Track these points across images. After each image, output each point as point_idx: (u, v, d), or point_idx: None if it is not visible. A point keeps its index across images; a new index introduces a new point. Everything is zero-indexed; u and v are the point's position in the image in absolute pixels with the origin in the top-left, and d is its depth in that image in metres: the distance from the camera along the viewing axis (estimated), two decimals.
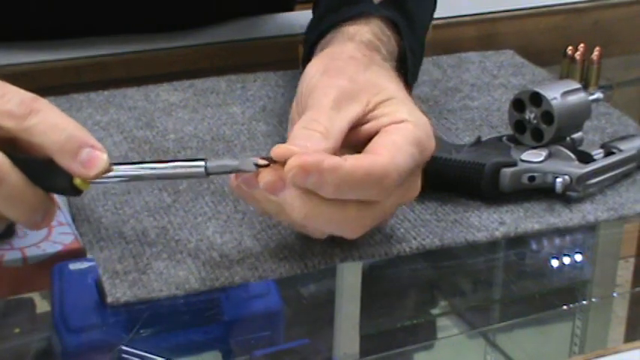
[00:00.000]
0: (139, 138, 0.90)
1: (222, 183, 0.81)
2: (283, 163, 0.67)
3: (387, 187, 0.68)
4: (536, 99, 0.82)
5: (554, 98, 0.82)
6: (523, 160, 0.80)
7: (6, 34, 1.05)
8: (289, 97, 0.79)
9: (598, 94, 0.87)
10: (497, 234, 0.77)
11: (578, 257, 0.83)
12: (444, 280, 0.81)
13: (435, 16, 1.04)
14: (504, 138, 0.84)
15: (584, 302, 0.81)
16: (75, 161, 0.66)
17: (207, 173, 0.69)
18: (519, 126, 0.83)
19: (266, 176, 0.68)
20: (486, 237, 0.77)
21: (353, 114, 0.72)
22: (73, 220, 0.77)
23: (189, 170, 0.69)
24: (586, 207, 0.81)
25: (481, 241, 0.77)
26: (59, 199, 0.74)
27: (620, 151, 0.84)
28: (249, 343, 0.71)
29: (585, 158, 0.82)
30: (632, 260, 0.85)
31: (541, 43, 1.19)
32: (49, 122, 0.66)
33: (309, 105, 0.72)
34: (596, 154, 0.83)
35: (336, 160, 0.66)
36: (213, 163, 0.69)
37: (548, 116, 0.82)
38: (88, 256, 0.74)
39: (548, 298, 0.79)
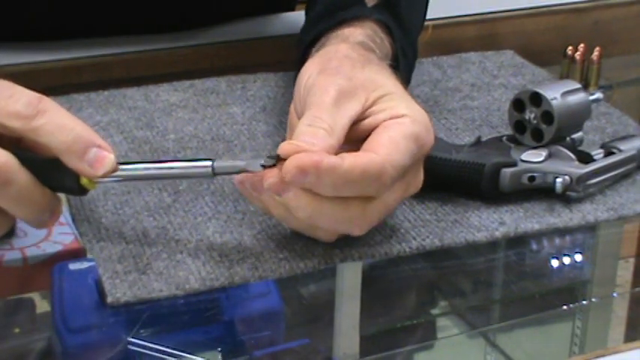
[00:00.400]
0: (139, 138, 0.90)
1: (222, 183, 0.81)
2: None
3: (384, 183, 0.69)
4: (536, 99, 0.82)
5: (554, 98, 0.82)
6: (523, 160, 0.80)
7: (6, 34, 1.05)
8: (289, 98, 0.79)
9: (598, 94, 0.87)
10: (497, 234, 0.77)
11: (578, 257, 0.83)
12: (444, 280, 0.81)
13: (435, 16, 1.04)
14: (504, 138, 0.84)
15: (584, 302, 0.81)
16: (82, 161, 0.67)
17: (214, 173, 0.69)
18: (519, 126, 0.83)
19: (270, 177, 0.68)
20: (486, 237, 0.77)
21: (353, 111, 0.72)
22: (73, 220, 0.77)
23: (196, 170, 0.70)
24: (586, 207, 0.81)
25: (481, 241, 0.77)
26: None
27: (620, 151, 0.84)
28: (249, 343, 0.71)
29: (585, 158, 0.82)
30: (632, 260, 0.85)
31: (541, 43, 1.19)
32: (57, 123, 0.67)
33: (309, 103, 0.72)
34: (596, 154, 0.83)
35: (334, 160, 0.67)
36: (220, 164, 0.69)
37: (548, 116, 0.82)
38: (88, 256, 0.74)
39: (548, 298, 0.79)
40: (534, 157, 0.81)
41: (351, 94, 0.73)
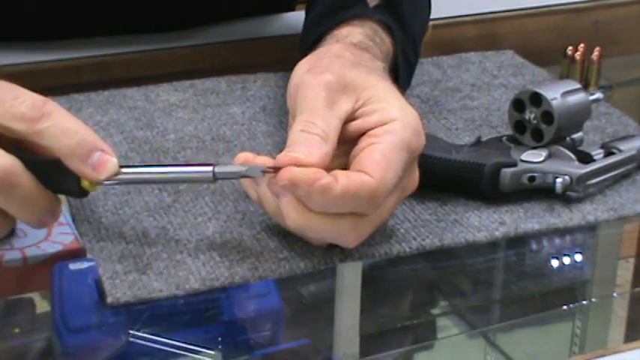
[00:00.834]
0: (139, 138, 0.90)
1: (222, 183, 0.81)
2: None
3: (378, 203, 0.70)
4: (536, 99, 0.82)
5: (554, 98, 0.82)
6: (523, 161, 0.80)
7: (6, 34, 1.05)
8: None
9: (598, 94, 0.87)
10: (497, 234, 0.77)
11: (578, 257, 0.83)
12: (444, 280, 0.81)
13: (435, 16, 1.04)
14: (504, 138, 0.84)
15: (584, 302, 0.81)
16: (85, 165, 0.67)
17: (215, 178, 0.70)
18: (519, 126, 0.83)
19: (271, 176, 0.69)
20: (486, 237, 0.77)
21: (344, 112, 0.72)
22: (73, 220, 0.77)
23: (196, 175, 0.70)
24: (586, 207, 0.81)
25: (481, 241, 0.77)
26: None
27: (620, 151, 0.84)
28: (249, 343, 0.71)
29: (585, 158, 0.82)
30: (632, 260, 0.85)
31: (541, 43, 1.19)
32: (61, 126, 0.67)
33: (300, 106, 0.73)
34: (596, 154, 0.83)
35: (327, 182, 0.67)
36: (221, 169, 0.70)
37: (548, 116, 0.82)
38: (88, 256, 0.74)
39: (548, 298, 0.79)
40: (534, 157, 0.81)
41: (341, 92, 0.73)
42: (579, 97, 0.83)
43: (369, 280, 0.77)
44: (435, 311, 0.81)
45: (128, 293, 0.69)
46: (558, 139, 0.82)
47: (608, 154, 0.84)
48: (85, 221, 0.77)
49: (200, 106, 0.96)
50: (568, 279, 0.82)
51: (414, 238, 0.76)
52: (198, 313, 0.71)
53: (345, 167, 0.72)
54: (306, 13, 0.98)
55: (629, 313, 0.80)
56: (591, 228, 0.81)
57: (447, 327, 0.78)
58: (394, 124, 0.71)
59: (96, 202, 0.79)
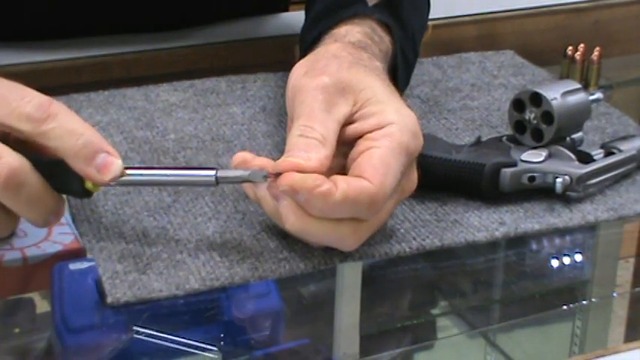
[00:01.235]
0: (139, 138, 0.90)
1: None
2: None
3: (377, 209, 0.70)
4: (536, 99, 0.82)
5: (554, 98, 0.82)
6: (523, 161, 0.80)
7: (6, 34, 1.05)
8: None
9: (598, 94, 0.87)
10: (497, 234, 0.77)
11: (578, 257, 0.83)
12: (444, 280, 0.81)
13: (435, 16, 1.04)
14: (504, 138, 0.84)
15: (584, 302, 0.81)
16: (90, 166, 0.68)
17: (218, 182, 0.70)
18: (519, 126, 0.83)
19: (272, 180, 0.69)
20: (486, 237, 0.77)
21: (342, 115, 0.72)
22: (73, 220, 0.77)
23: (199, 179, 0.71)
24: (586, 207, 0.81)
25: (481, 241, 0.77)
26: None
27: (620, 151, 0.84)
28: (249, 343, 0.71)
29: (585, 158, 0.82)
30: (632, 260, 0.85)
31: (541, 43, 1.19)
32: (66, 127, 0.67)
33: (298, 110, 0.73)
34: (596, 154, 0.83)
35: (326, 188, 0.67)
36: (223, 173, 0.70)
37: (548, 116, 0.82)
38: (88, 256, 0.74)
39: (548, 298, 0.79)
40: (534, 157, 0.81)
41: (338, 95, 0.73)
42: (579, 97, 0.83)
43: (369, 280, 0.77)
44: (435, 311, 0.81)
45: (128, 293, 0.69)
46: (558, 139, 0.82)
47: (608, 154, 0.84)
48: (85, 221, 0.77)
49: (200, 106, 0.96)
50: (568, 279, 0.82)
51: (414, 238, 0.76)
52: (198, 313, 0.71)
53: (344, 168, 0.72)
54: (306, 13, 0.98)
55: (629, 313, 0.80)
56: (591, 228, 0.81)
57: (447, 327, 0.78)
58: (391, 128, 0.71)
59: (96, 202, 0.79)
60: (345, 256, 0.73)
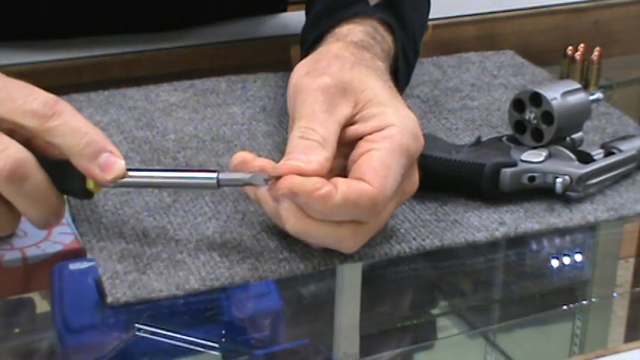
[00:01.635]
0: (139, 138, 0.90)
1: None
2: None
3: (377, 212, 0.70)
4: (536, 99, 0.82)
5: (554, 98, 0.82)
6: (523, 161, 0.80)
7: (6, 34, 1.05)
8: None
9: (598, 94, 0.87)
10: (497, 234, 0.77)
11: (578, 257, 0.83)
12: (444, 280, 0.81)
13: (435, 16, 1.04)
14: (504, 138, 0.84)
15: (584, 302, 0.81)
16: (93, 164, 0.68)
17: (219, 185, 0.70)
18: (519, 126, 0.83)
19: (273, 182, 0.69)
20: (486, 237, 0.77)
21: (343, 116, 0.72)
22: (73, 220, 0.77)
23: (201, 181, 0.71)
24: (586, 207, 0.81)
25: (481, 241, 0.77)
26: None
27: (620, 151, 0.84)
28: (249, 343, 0.71)
29: (585, 158, 0.82)
30: (632, 260, 0.85)
31: (541, 43, 1.19)
32: (71, 125, 0.68)
33: (299, 110, 0.73)
34: (596, 154, 0.83)
35: (326, 191, 0.67)
36: (224, 176, 0.70)
37: (548, 116, 0.82)
38: (88, 256, 0.74)
39: (548, 298, 0.79)
40: (534, 157, 0.81)
41: (340, 95, 0.73)
42: (579, 97, 0.83)
43: (369, 280, 0.77)
44: (435, 311, 0.81)
45: (128, 293, 0.69)
46: (558, 139, 0.82)
47: (608, 154, 0.84)
48: (85, 221, 0.77)
49: (200, 106, 0.96)
50: (568, 279, 0.82)
51: (414, 238, 0.76)
52: (198, 313, 0.71)
53: (345, 169, 0.72)
54: (306, 13, 0.98)
55: (629, 313, 0.80)
56: (591, 228, 0.81)
57: (447, 327, 0.78)
58: (391, 130, 0.71)
59: (96, 202, 0.79)
60: (345, 256, 0.73)
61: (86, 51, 1.05)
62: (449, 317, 0.79)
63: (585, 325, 0.79)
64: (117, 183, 0.69)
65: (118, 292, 0.69)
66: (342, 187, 0.68)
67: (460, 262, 0.79)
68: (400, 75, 0.87)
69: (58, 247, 0.74)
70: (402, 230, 0.77)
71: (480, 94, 1.00)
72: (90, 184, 0.69)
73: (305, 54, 0.84)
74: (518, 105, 0.83)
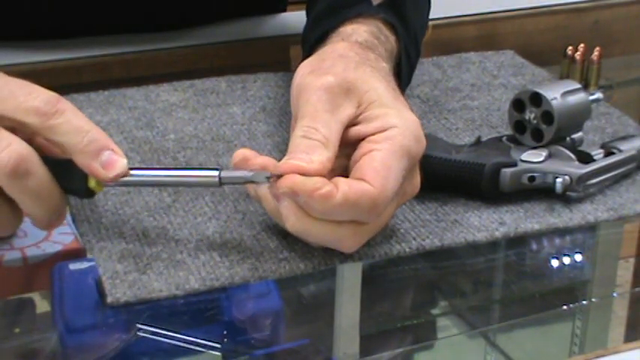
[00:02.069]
0: (139, 138, 0.90)
1: None
2: None
3: (378, 212, 0.70)
4: (536, 99, 0.82)
5: (554, 98, 0.82)
6: (523, 161, 0.80)
7: (6, 34, 1.05)
8: (289, 98, 0.79)
9: (598, 94, 0.87)
10: (497, 234, 0.77)
11: (578, 257, 0.83)
12: (444, 280, 0.81)
13: (435, 16, 1.04)
14: (504, 138, 0.84)
15: (584, 302, 0.81)
16: (95, 162, 0.68)
17: (221, 183, 0.70)
18: (519, 126, 0.83)
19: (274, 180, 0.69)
20: (486, 237, 0.77)
21: (346, 116, 0.72)
22: (73, 220, 0.77)
23: (203, 179, 0.71)
24: (586, 207, 0.81)
25: (481, 241, 0.77)
26: None
27: (620, 151, 0.84)
28: (249, 343, 0.71)
29: (585, 158, 0.82)
30: (632, 260, 0.85)
31: (541, 43, 1.19)
32: (73, 123, 0.68)
33: (302, 109, 0.73)
34: (596, 154, 0.83)
35: (327, 190, 0.67)
36: (226, 174, 0.70)
37: (548, 116, 0.82)
38: (88, 256, 0.74)
39: (548, 298, 0.79)
40: (534, 157, 0.81)
41: (343, 95, 0.73)
42: (579, 97, 0.83)
43: (369, 280, 0.77)
44: (435, 311, 0.81)
45: (128, 293, 0.69)
46: (558, 139, 0.82)
47: (608, 154, 0.84)
48: (85, 221, 0.77)
49: (200, 106, 0.96)
50: (568, 279, 0.82)
51: (414, 238, 0.76)
52: (198, 313, 0.71)
53: (346, 169, 0.72)
54: (307, 13, 0.98)
55: (629, 313, 0.80)
56: (591, 228, 0.81)
57: (447, 327, 0.78)
58: (393, 131, 0.71)
59: (96, 202, 0.79)
60: (345, 256, 0.73)
61: (86, 51, 1.05)
62: (449, 317, 0.79)
63: (585, 325, 0.79)
64: (119, 181, 0.69)
65: (118, 292, 0.69)
66: (343, 187, 0.68)
67: (460, 262, 0.79)
68: (402, 75, 0.87)
69: (58, 247, 0.74)
70: (402, 230, 0.77)
71: (480, 94, 1.00)
72: (92, 183, 0.69)
73: (307, 54, 0.84)
74: (518, 105, 0.83)
